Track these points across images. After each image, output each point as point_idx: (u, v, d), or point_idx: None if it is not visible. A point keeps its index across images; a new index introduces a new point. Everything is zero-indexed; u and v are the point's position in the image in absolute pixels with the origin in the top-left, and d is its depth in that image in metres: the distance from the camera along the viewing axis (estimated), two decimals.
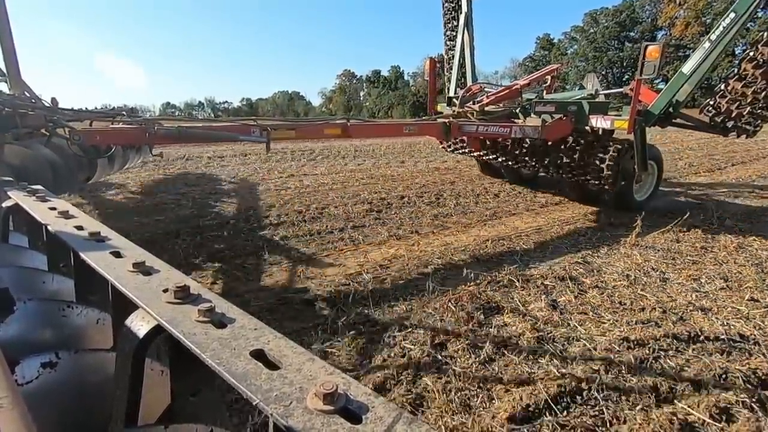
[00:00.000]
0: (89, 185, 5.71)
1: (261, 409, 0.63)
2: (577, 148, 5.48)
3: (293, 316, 2.94)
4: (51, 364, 1.02)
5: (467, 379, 2.21)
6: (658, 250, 4.21)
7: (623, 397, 2.09)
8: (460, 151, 7.12)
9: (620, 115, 5.20)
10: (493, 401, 2.08)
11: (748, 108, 4.88)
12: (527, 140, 5.90)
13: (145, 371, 0.94)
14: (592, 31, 64.66)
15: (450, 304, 2.98)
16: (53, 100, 4.21)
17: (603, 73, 61.75)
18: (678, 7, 53.24)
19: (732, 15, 4.52)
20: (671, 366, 2.33)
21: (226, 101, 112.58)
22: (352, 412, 0.62)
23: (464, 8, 7.24)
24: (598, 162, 5.20)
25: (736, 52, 24.93)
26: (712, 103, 5.17)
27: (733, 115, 4.99)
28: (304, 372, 0.71)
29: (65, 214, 1.61)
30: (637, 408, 2.02)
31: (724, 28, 4.57)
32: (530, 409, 2.00)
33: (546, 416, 1.96)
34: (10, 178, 2.30)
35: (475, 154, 6.93)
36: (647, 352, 2.46)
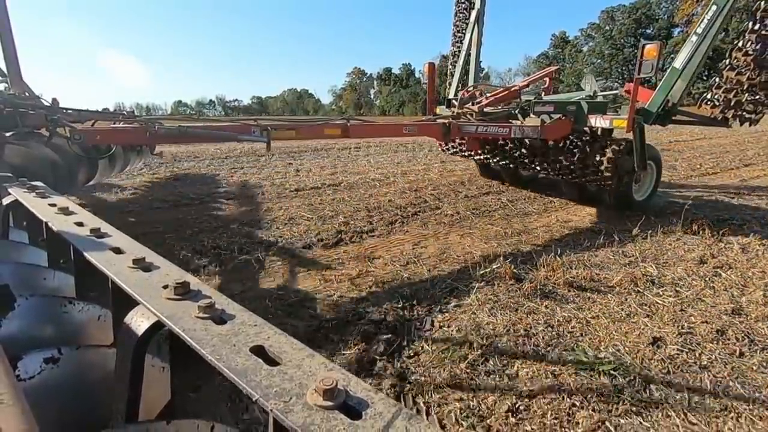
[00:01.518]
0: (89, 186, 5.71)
1: (261, 405, 0.64)
2: (576, 148, 5.48)
3: (582, 232, 4.60)
4: (53, 360, 1.02)
5: (740, 258, 3.79)
6: None
7: None
8: (459, 153, 7.10)
9: (619, 115, 5.21)
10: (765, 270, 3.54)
11: (746, 95, 4.89)
12: (526, 141, 5.90)
13: (146, 367, 0.95)
14: (608, 28, 64.06)
15: (688, 230, 4.54)
16: (54, 100, 4.20)
17: (619, 70, 61.46)
18: (695, 3, 52.20)
19: (714, 8, 4.58)
20: None
21: (237, 99, 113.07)
22: (351, 408, 0.62)
23: (477, 4, 7.20)
24: (597, 162, 5.21)
25: None
26: (709, 96, 5.18)
27: (732, 104, 5.00)
28: (304, 368, 0.71)
29: (65, 211, 1.61)
30: None
31: (708, 20, 4.63)
32: None
33: None
34: (10, 174, 2.30)
35: (475, 155, 6.92)
36: None
